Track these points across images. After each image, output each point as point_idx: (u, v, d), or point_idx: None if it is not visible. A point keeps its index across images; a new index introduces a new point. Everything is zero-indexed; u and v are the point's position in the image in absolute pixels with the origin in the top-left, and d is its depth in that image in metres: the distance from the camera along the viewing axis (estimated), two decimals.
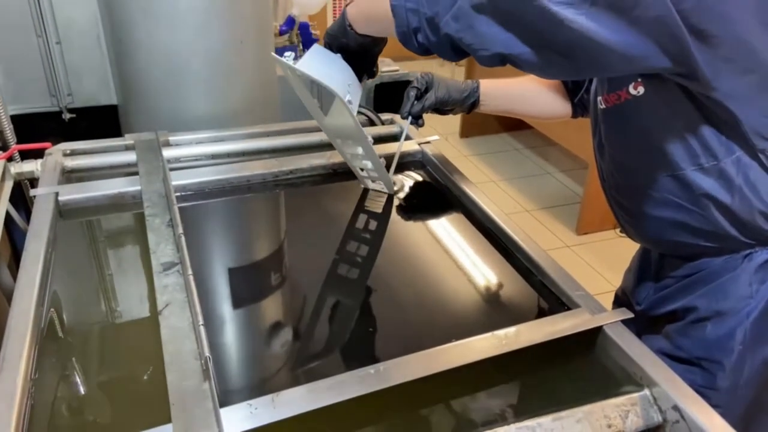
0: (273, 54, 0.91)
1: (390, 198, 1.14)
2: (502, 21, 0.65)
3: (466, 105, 1.12)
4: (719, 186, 0.77)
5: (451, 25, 0.68)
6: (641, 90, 0.78)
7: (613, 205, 0.94)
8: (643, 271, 0.99)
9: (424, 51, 0.74)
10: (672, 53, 0.65)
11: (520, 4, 0.62)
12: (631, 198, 0.88)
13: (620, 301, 1.07)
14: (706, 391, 0.84)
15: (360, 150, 1.04)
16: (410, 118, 1.10)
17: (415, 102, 1.09)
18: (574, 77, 0.76)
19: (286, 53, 0.89)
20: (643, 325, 0.95)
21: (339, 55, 0.94)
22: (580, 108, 1.13)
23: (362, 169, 1.10)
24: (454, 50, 0.71)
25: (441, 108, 1.12)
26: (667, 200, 0.81)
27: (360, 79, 0.97)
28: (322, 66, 0.91)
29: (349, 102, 0.90)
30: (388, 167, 1.09)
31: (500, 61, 0.68)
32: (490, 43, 0.67)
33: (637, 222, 0.90)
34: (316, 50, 0.93)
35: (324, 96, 0.92)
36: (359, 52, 0.92)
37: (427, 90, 1.10)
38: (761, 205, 0.77)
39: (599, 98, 0.86)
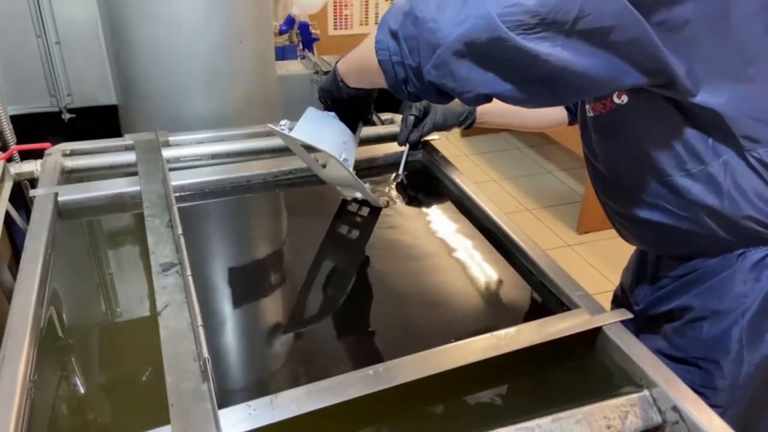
0: (269, 125, 0.93)
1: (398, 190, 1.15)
2: (481, 63, 0.67)
3: (463, 125, 1.19)
4: (708, 191, 0.77)
5: (432, 73, 0.70)
6: (625, 99, 0.79)
7: (605, 208, 0.95)
8: (640, 270, 0.99)
9: (415, 98, 0.77)
10: (650, 69, 0.66)
11: (495, 46, 0.64)
12: (622, 202, 0.89)
13: (619, 300, 1.07)
14: (704, 390, 0.84)
15: (359, 195, 1.08)
16: (408, 145, 1.16)
17: (414, 130, 1.15)
18: (558, 104, 0.78)
19: (281, 122, 0.93)
20: (641, 325, 0.95)
21: (333, 114, 0.98)
22: (575, 113, 1.14)
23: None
24: (440, 95, 0.74)
25: (438, 130, 1.18)
26: (658, 205, 0.82)
27: (356, 128, 1.01)
28: (316, 128, 0.95)
29: (345, 159, 0.95)
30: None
31: (484, 99, 0.71)
32: (471, 85, 0.69)
33: (630, 225, 0.90)
34: (310, 113, 0.97)
35: (322, 153, 0.97)
36: (354, 103, 0.96)
37: (425, 114, 1.16)
38: (750, 208, 0.77)
39: (587, 106, 0.88)
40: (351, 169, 0.96)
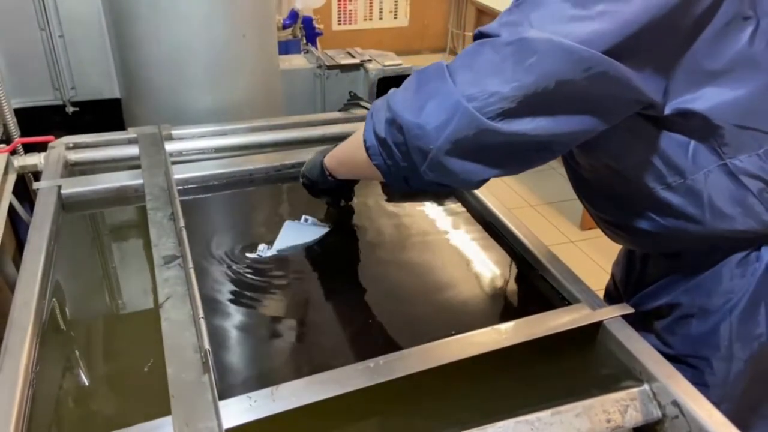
0: (247, 254, 0.97)
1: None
2: (473, 157, 0.69)
3: None
4: (689, 203, 0.76)
5: (429, 174, 0.72)
6: None
7: (589, 212, 0.94)
8: (629, 266, 0.99)
9: (419, 191, 0.78)
10: (631, 106, 0.69)
11: (482, 138, 0.66)
12: (606, 210, 0.89)
13: (611, 294, 1.07)
14: (696, 387, 0.84)
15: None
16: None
17: None
18: (552, 159, 0.81)
19: (260, 247, 0.97)
20: (632, 321, 0.95)
21: (310, 221, 1.04)
22: None
23: None
24: (442, 186, 0.77)
25: None
26: (642, 214, 0.82)
27: (338, 205, 1.06)
28: (296, 240, 0.99)
29: None
30: None
31: (485, 182, 0.74)
32: (469, 176, 0.71)
33: (615, 229, 0.90)
34: (287, 228, 1.02)
35: None
36: (339, 189, 1.00)
37: None
38: (732, 217, 0.76)
39: None
40: None
